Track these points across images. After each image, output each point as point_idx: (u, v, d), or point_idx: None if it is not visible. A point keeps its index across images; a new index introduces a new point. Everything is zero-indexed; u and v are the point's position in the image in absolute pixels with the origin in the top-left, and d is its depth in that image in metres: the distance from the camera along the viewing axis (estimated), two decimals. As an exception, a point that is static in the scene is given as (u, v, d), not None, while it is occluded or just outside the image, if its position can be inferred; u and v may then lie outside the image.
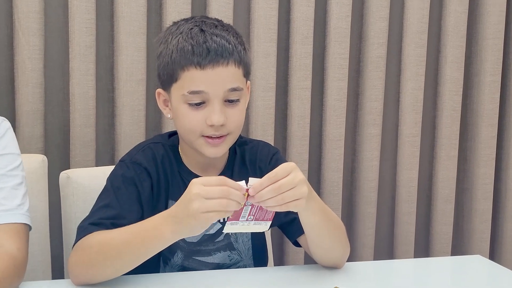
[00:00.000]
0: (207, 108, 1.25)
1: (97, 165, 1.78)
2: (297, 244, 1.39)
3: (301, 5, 1.90)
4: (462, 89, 2.13)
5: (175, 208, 1.10)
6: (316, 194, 1.20)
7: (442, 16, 2.09)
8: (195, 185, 1.06)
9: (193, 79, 1.24)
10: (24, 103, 1.69)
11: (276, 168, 1.09)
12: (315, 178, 2.04)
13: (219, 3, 1.82)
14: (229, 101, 1.27)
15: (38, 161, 1.52)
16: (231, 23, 1.83)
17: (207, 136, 1.27)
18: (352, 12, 1.98)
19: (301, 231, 1.31)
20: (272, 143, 1.92)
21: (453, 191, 2.17)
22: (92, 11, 1.72)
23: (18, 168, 1.27)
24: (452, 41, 2.08)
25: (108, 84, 1.81)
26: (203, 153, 1.29)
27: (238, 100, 1.28)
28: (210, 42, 1.24)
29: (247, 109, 1.89)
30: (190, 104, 1.26)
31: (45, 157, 1.54)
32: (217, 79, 1.24)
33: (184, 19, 1.33)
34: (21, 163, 1.29)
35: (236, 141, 1.41)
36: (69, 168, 1.71)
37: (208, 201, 1.04)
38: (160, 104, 1.36)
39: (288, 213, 1.34)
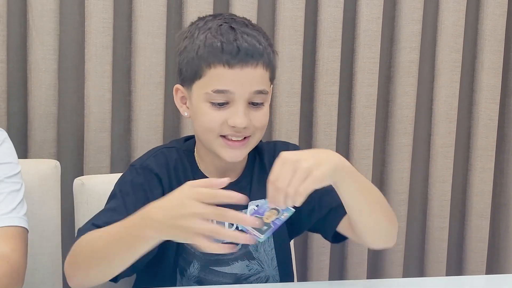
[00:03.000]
0: (230, 109, 1.25)
1: (111, 172, 1.77)
2: (336, 240, 1.37)
3: (329, 5, 1.89)
4: (499, 97, 2.10)
5: (161, 213, 1.04)
6: (351, 171, 1.17)
7: (479, 19, 2.06)
8: (191, 202, 1.00)
9: (220, 77, 1.24)
10: (36, 105, 1.70)
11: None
12: (342, 189, 2.01)
13: (243, 3, 1.82)
14: (253, 104, 1.27)
15: (50, 167, 1.51)
16: (255, 24, 1.83)
17: (226, 138, 1.26)
18: (383, 14, 1.96)
19: (339, 215, 1.30)
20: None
21: (489, 206, 2.14)
22: (109, 10, 1.72)
23: (16, 176, 1.31)
24: (490, 45, 2.05)
25: (124, 87, 1.81)
26: (221, 156, 1.28)
27: (262, 104, 1.28)
28: (241, 41, 1.24)
29: (270, 115, 1.90)
30: (213, 104, 1.25)
31: (58, 162, 1.54)
32: (244, 79, 1.24)
33: (211, 15, 1.33)
34: (20, 172, 1.32)
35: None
36: (82, 175, 1.71)
37: (202, 222, 1.00)
38: (177, 101, 1.35)
39: (321, 207, 1.34)
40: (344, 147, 2.01)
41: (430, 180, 2.08)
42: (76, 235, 1.24)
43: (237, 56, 1.22)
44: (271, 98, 1.86)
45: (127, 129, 1.81)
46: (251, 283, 1.38)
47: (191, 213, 1.00)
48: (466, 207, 2.15)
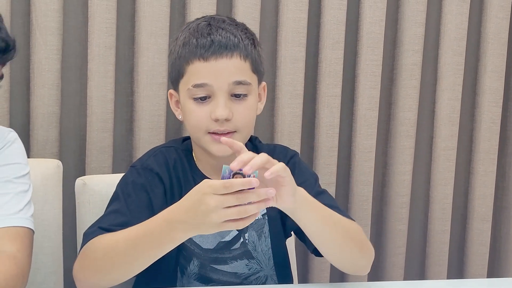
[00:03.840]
0: (212, 102, 1.27)
1: (113, 172, 1.77)
2: (317, 253, 1.36)
3: (332, 8, 1.89)
4: (502, 100, 2.10)
5: (185, 215, 1.07)
6: (313, 201, 1.18)
7: (482, 22, 2.06)
8: (209, 196, 1.02)
9: (197, 72, 1.27)
10: (39, 105, 1.70)
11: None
12: (343, 191, 2.01)
13: (246, 4, 1.82)
14: (236, 96, 1.29)
15: (52, 167, 1.52)
16: (258, 25, 1.84)
17: (213, 133, 1.28)
18: (386, 17, 1.96)
19: None
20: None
21: (491, 210, 2.14)
22: (112, 11, 1.72)
23: (24, 177, 1.31)
24: (492, 49, 2.05)
25: (127, 87, 1.81)
26: (211, 152, 1.30)
27: (245, 96, 1.29)
28: (215, 35, 1.27)
29: (272, 116, 1.90)
30: (195, 99, 1.28)
31: (60, 162, 1.54)
32: (221, 71, 1.26)
33: (197, 18, 1.37)
34: (29, 172, 1.33)
35: (255, 145, 1.41)
36: (84, 175, 1.71)
37: (226, 210, 1.02)
38: (172, 106, 1.39)
39: None
40: (346, 149, 2.01)
41: (432, 182, 2.08)
42: (82, 238, 1.24)
43: (210, 48, 1.25)
44: (273, 100, 1.90)
45: (129, 130, 1.82)
46: (251, 282, 1.38)
47: (211, 208, 1.02)
48: (467, 210, 2.14)
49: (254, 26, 1.82)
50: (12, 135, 1.34)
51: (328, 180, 1.94)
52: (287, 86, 1.88)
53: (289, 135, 1.90)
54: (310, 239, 1.24)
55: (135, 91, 1.79)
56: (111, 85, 1.74)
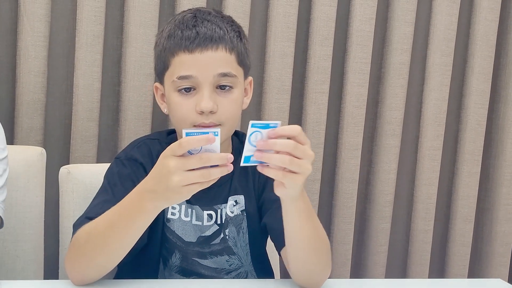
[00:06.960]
0: (197, 95, 1.27)
1: (98, 162, 1.76)
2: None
3: (322, 4, 1.89)
4: (488, 103, 2.11)
5: (151, 182, 1.07)
6: (306, 196, 1.15)
7: (471, 23, 2.07)
8: (169, 158, 1.02)
9: (182, 63, 1.27)
10: (25, 92, 1.68)
11: (292, 127, 1.02)
12: (328, 188, 2.02)
13: (236, -2, 1.81)
14: (221, 88, 1.28)
15: (36, 154, 1.51)
16: (248, 19, 1.83)
17: (199, 126, 1.27)
18: (377, 15, 1.96)
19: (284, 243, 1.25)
20: (284, 149, 1.90)
21: (473, 211, 2.15)
22: (102, -1, 1.71)
23: (1, 161, 1.29)
24: (481, 51, 2.06)
25: (114, 77, 1.80)
26: None
27: (231, 88, 1.29)
28: (200, 26, 1.27)
29: (259, 111, 1.90)
30: (180, 91, 1.28)
31: (43, 150, 1.53)
32: (206, 63, 1.26)
33: (183, 10, 1.37)
34: (6, 157, 1.31)
35: (241, 141, 1.41)
36: (68, 164, 1.70)
37: (188, 173, 1.01)
38: (158, 99, 1.39)
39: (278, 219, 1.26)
40: (332, 146, 2.01)
41: (416, 182, 2.09)
42: (72, 230, 1.24)
43: (195, 40, 1.25)
44: (260, 94, 1.90)
45: (115, 120, 1.81)
46: (232, 278, 1.39)
47: (171, 169, 1.01)
48: (451, 211, 2.15)
49: (244, 20, 1.82)
50: None
51: (313, 177, 1.94)
52: (275, 81, 1.88)
53: (275, 130, 1.89)
54: (286, 235, 1.19)
55: (122, 81, 1.78)
56: (98, 74, 1.73)
